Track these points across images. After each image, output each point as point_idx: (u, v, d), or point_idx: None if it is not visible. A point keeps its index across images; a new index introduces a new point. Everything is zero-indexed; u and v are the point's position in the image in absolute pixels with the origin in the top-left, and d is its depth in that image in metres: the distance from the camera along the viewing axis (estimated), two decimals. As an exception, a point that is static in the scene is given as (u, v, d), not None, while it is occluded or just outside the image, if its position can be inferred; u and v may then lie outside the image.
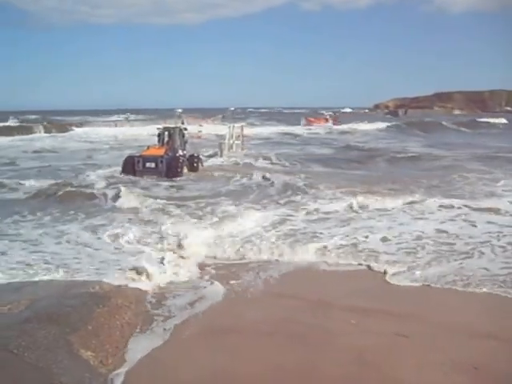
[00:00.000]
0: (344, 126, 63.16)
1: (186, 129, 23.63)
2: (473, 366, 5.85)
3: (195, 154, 23.18)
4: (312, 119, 70.91)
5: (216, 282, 8.58)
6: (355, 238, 11.23)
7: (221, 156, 27.54)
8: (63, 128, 56.09)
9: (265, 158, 27.48)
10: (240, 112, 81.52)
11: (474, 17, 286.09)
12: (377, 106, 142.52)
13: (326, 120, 68.89)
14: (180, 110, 25.31)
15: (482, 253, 10.11)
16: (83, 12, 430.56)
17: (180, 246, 10.44)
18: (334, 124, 66.72)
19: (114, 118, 78.14)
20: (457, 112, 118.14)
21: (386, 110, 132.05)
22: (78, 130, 55.59)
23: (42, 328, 6.07)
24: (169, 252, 9.96)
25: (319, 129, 60.14)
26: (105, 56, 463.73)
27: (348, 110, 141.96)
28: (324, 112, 76.71)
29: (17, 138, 46.30)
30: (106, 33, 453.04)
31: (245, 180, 20.09)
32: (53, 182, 18.78)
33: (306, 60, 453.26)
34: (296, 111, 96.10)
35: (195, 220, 12.84)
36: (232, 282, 8.62)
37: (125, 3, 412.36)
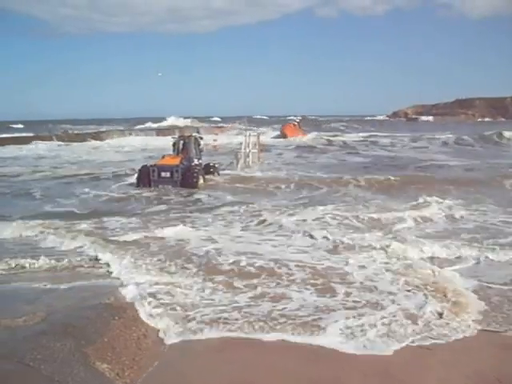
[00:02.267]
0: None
1: (201, 138, 23.69)
2: (497, 378, 5.68)
3: (211, 164, 23.22)
4: (292, 129, 55.84)
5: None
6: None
7: (237, 166, 27.24)
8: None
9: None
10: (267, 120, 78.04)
11: (495, 21, 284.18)
12: (396, 113, 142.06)
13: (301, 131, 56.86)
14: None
15: None
16: (98, 20, 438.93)
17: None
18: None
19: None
20: (479, 119, 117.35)
21: (405, 117, 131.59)
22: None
23: (58, 340, 6.02)
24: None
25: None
26: (119, 63, 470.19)
27: (381, 117, 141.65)
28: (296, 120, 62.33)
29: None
30: (121, 40, 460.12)
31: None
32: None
33: (323, 67, 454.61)
34: (323, 119, 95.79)
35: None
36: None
37: (139, 11, 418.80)
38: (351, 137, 55.83)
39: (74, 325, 6.50)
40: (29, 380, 5.29)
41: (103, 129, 68.24)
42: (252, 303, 7.82)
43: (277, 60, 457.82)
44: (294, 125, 58.42)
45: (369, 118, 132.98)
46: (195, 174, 20.75)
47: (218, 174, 23.19)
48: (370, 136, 55.51)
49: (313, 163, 31.60)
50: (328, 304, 7.75)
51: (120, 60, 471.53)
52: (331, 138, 52.21)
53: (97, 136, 56.42)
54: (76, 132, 61.11)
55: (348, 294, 8.15)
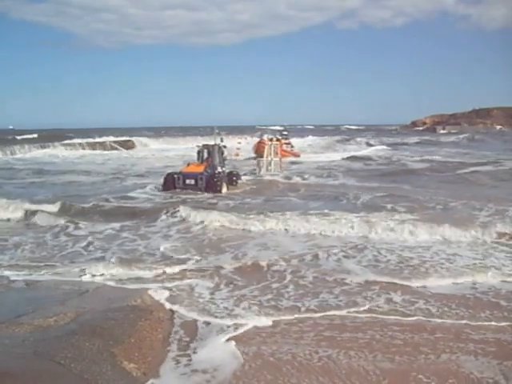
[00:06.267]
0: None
1: (225, 146, 23.92)
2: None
3: (234, 171, 23.47)
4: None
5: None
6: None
7: (259, 174, 27.53)
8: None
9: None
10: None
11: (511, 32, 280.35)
12: (414, 123, 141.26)
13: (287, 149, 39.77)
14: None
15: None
16: (128, 34, 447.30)
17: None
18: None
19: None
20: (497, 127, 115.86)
21: (423, 126, 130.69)
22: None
23: (87, 340, 6.19)
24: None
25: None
26: (145, 75, 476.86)
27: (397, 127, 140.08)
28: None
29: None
30: (151, 53, 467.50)
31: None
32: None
33: (343, 77, 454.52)
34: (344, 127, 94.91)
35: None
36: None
37: (168, 24, 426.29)
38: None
39: (102, 326, 6.68)
40: (60, 378, 5.44)
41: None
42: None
43: (298, 70, 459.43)
44: (278, 139, 34.76)
45: (387, 127, 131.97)
46: (219, 182, 21.13)
47: (240, 180, 23.48)
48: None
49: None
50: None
51: (147, 70, 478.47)
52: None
53: None
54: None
55: None
